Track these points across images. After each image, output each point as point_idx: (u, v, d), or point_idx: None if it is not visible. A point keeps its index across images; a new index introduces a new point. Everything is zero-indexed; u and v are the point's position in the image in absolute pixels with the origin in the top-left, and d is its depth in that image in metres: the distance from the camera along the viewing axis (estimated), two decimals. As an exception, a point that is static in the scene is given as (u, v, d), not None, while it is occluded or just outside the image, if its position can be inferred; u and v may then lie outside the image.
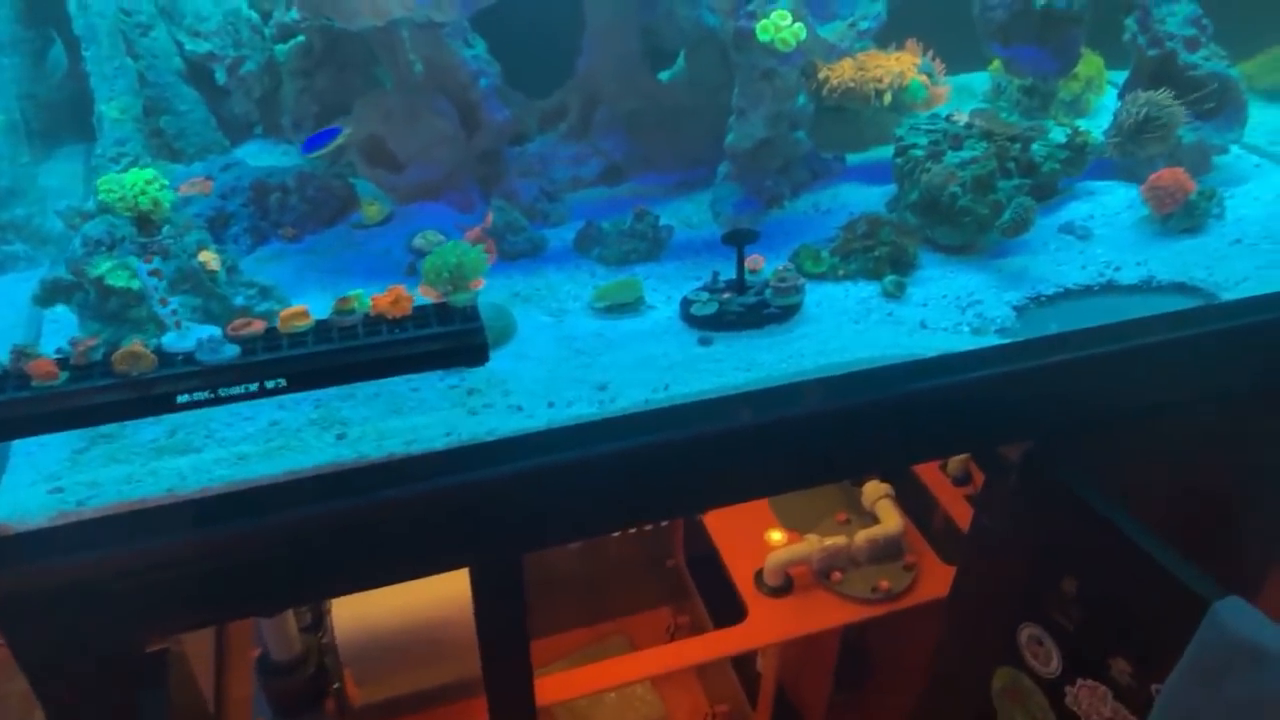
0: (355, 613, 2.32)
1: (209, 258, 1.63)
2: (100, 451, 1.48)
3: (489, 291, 1.90)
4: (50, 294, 1.54)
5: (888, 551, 2.81)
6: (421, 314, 1.47)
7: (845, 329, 1.79)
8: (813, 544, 2.77)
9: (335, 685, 2.42)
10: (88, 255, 1.53)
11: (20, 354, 1.29)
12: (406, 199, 2.07)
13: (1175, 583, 1.66)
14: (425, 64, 2.00)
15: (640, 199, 2.25)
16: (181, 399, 1.31)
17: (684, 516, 3.22)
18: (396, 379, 1.63)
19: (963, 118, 2.04)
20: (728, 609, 2.87)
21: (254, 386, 1.34)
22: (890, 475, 3.00)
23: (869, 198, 2.18)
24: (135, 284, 1.52)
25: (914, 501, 2.99)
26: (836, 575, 2.77)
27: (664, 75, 2.32)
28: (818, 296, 1.88)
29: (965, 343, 1.76)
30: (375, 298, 1.45)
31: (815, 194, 2.23)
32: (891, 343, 1.75)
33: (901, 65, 2.32)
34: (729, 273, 1.86)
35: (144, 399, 1.30)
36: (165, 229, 1.61)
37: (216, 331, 1.38)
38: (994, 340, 1.78)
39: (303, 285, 1.87)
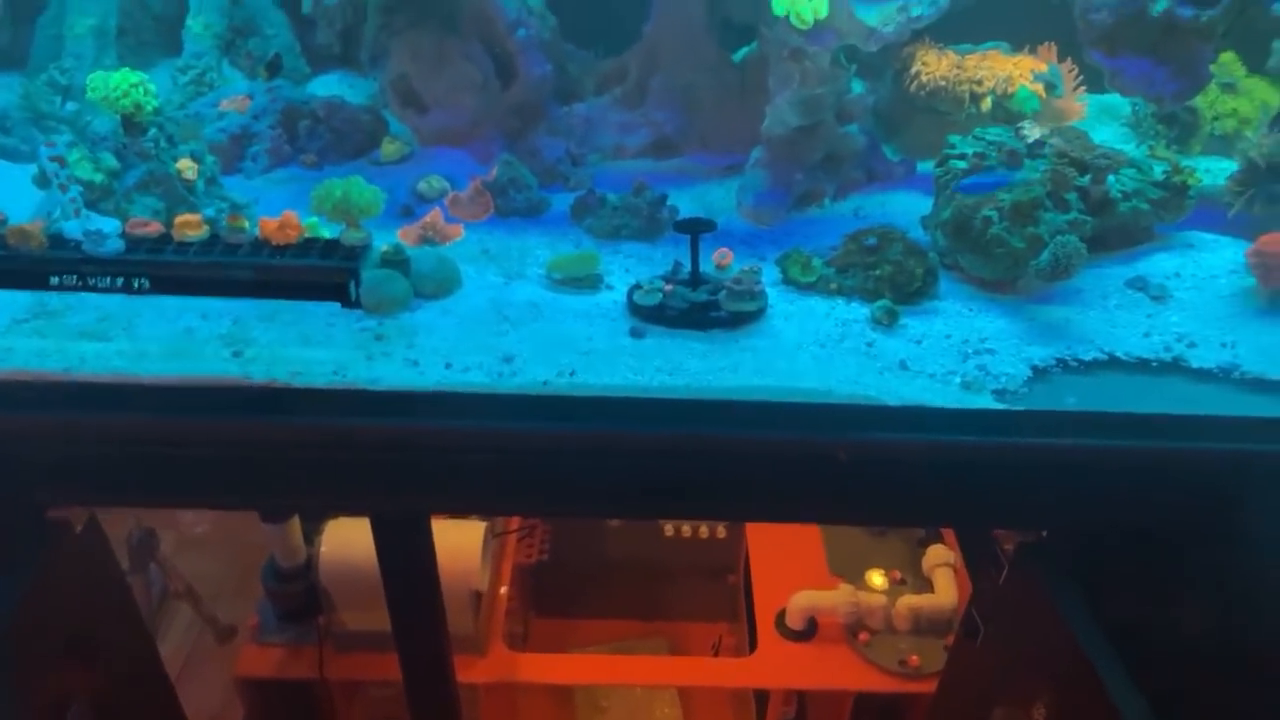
0: (343, 537, 2.38)
1: (186, 166, 1.70)
2: (36, 324, 1.58)
3: (465, 244, 1.86)
4: (40, 179, 1.68)
5: (932, 625, 2.46)
6: (306, 245, 1.44)
7: (804, 351, 1.56)
8: (844, 594, 2.48)
9: (327, 605, 2.50)
10: (70, 146, 1.64)
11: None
12: (429, 142, 2.06)
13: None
14: (466, 8, 1.97)
15: (685, 175, 2.11)
16: (53, 280, 1.37)
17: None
18: (317, 308, 1.62)
19: (1036, 132, 1.69)
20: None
21: (120, 282, 1.38)
22: (967, 543, 2.62)
23: (923, 211, 1.88)
24: (99, 177, 1.62)
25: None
26: (865, 636, 2.46)
27: (739, 52, 2.13)
28: (795, 309, 1.65)
29: (943, 397, 1.47)
30: (263, 221, 1.45)
31: (865, 198, 1.96)
32: (849, 378, 1.50)
33: (1014, 69, 1.97)
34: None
35: (19, 273, 1.38)
36: (151, 131, 1.69)
37: (114, 225, 1.43)
38: (983, 402, 1.47)
39: (297, 210, 1.90)
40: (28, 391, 1.50)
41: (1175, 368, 1.52)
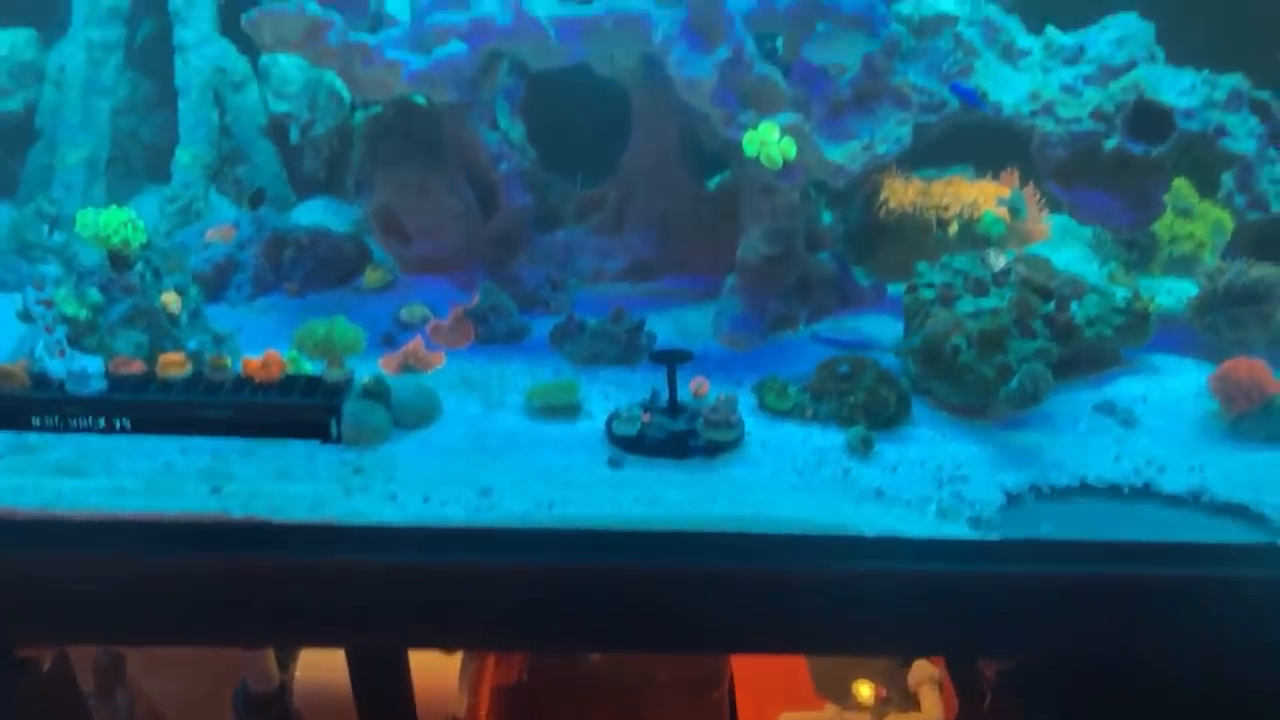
0: (318, 663, 2.33)
1: (170, 299, 1.72)
2: (12, 461, 1.58)
3: (446, 371, 1.88)
4: (24, 316, 1.69)
5: (920, 745, 2.42)
6: (289, 382, 1.46)
7: (782, 479, 1.58)
8: (830, 715, 2.44)
9: (301, 733, 2.43)
10: (55, 283, 1.67)
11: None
12: (411, 269, 2.11)
13: None
14: (451, 142, 2.04)
15: (662, 299, 2.15)
16: (35, 420, 1.38)
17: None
18: (298, 444, 1.62)
19: (1001, 261, 1.75)
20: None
21: (102, 422, 1.38)
22: (954, 661, 2.58)
23: (895, 334, 1.92)
24: (84, 313, 1.64)
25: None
26: (852, 757, 2.42)
27: (714, 180, 2.20)
28: (772, 436, 1.67)
29: (919, 525, 1.49)
30: (246, 360, 1.47)
31: (837, 322, 2.01)
32: (827, 507, 1.52)
33: (979, 195, 2.05)
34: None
35: (1, 413, 1.38)
36: (138, 266, 1.72)
37: (97, 365, 1.44)
38: (958, 530, 1.48)
39: (279, 339, 1.91)
40: (2, 529, 1.49)
41: (1146, 492, 1.55)
